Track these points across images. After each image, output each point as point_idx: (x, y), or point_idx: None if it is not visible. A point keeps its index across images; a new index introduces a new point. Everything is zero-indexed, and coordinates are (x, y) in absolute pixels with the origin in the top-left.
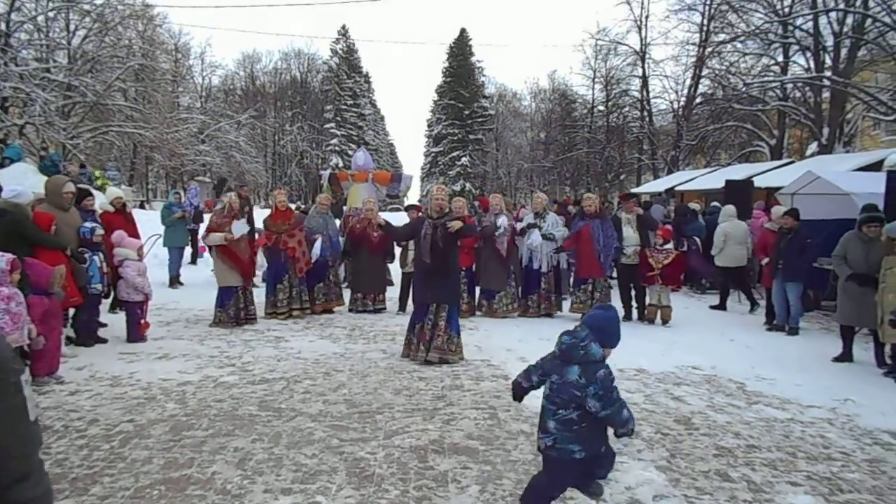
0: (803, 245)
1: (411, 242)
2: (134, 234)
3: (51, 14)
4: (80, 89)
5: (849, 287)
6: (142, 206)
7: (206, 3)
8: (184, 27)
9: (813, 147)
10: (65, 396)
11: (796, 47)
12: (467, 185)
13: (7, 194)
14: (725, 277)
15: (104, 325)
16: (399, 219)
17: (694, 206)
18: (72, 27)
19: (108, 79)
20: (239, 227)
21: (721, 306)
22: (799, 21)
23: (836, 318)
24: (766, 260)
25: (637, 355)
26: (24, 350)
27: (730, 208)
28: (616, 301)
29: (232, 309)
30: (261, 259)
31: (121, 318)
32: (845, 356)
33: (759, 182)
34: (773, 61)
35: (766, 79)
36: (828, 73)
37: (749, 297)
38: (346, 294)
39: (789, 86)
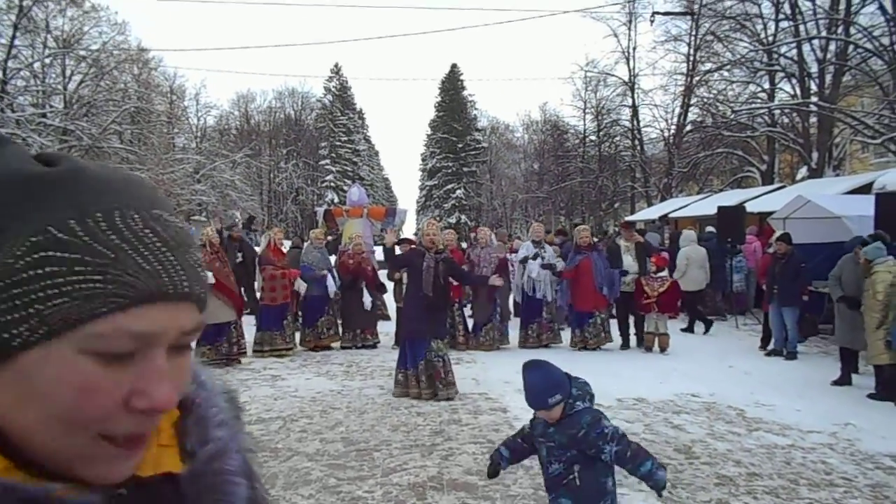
0: (797, 270)
1: (405, 276)
2: None
3: (47, 61)
4: (77, 133)
5: (841, 309)
6: None
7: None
8: (179, 69)
9: (803, 171)
10: None
11: (782, 74)
12: (462, 217)
13: None
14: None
15: None
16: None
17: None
18: (68, 72)
19: (103, 122)
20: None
21: (689, 329)
22: (783, 49)
23: (834, 340)
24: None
25: (636, 384)
26: None
27: (690, 234)
28: (614, 330)
29: (224, 346)
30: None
31: None
32: (844, 379)
33: (751, 207)
34: (759, 88)
35: (753, 106)
36: (814, 99)
37: (702, 319)
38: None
39: (777, 112)
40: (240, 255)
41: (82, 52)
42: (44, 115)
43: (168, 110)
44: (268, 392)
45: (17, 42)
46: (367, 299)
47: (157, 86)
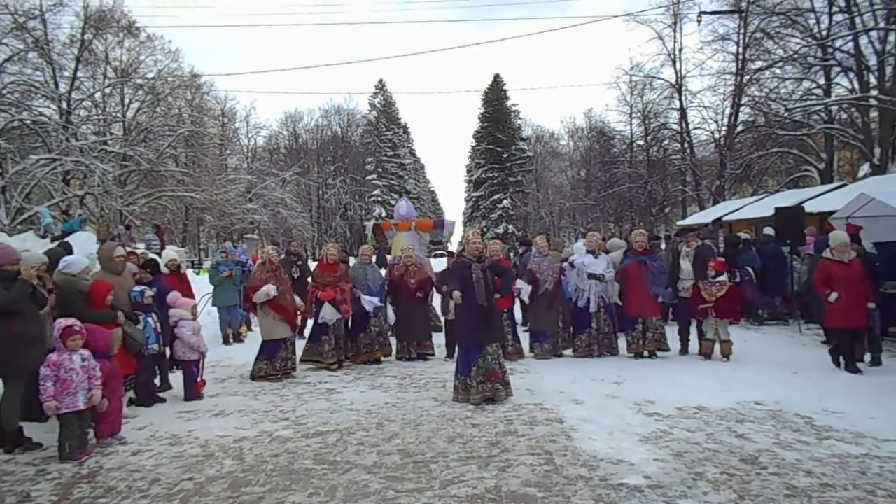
0: (872, 270)
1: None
2: (189, 294)
3: (107, 90)
4: (135, 158)
5: None
6: (192, 266)
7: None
8: (230, 92)
9: (865, 168)
10: (127, 457)
11: (838, 69)
12: (510, 227)
13: (60, 265)
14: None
15: (170, 388)
16: (442, 264)
17: (745, 235)
18: (126, 100)
19: (160, 146)
20: (271, 289)
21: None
22: (838, 42)
23: None
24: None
25: (695, 392)
26: (91, 412)
27: (617, 241)
28: (673, 339)
29: (279, 361)
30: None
31: (178, 376)
32: None
33: (809, 207)
34: (814, 84)
35: (808, 102)
36: (874, 93)
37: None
38: (395, 342)
39: (834, 107)
40: (296, 270)
41: (139, 81)
42: (105, 143)
43: (220, 132)
44: (324, 405)
45: (79, 74)
46: (391, 315)
47: (209, 109)
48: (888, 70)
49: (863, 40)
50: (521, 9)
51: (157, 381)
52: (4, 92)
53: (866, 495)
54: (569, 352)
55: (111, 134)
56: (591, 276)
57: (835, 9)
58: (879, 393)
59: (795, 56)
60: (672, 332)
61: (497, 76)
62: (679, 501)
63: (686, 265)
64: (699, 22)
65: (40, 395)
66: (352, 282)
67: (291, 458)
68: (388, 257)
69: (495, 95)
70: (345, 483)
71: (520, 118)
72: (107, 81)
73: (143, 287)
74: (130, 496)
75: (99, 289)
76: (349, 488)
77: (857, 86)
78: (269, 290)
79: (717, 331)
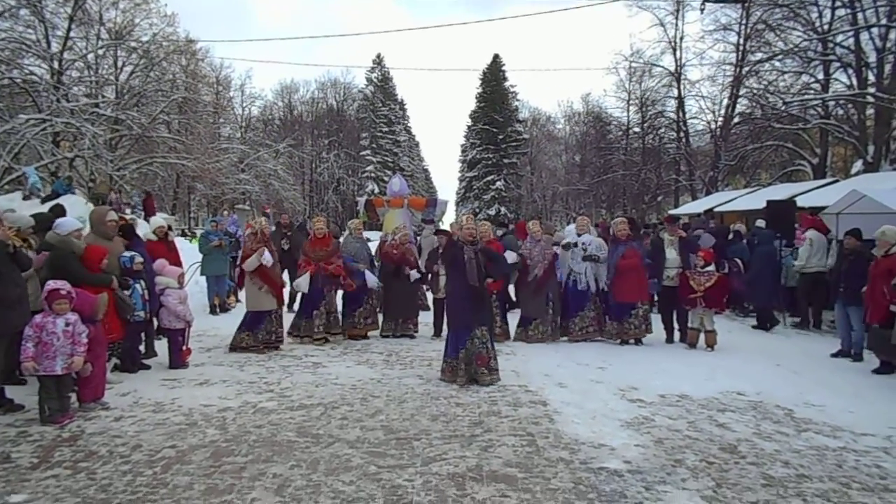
0: (867, 267)
1: (442, 268)
2: (176, 262)
3: (100, 52)
4: (127, 123)
5: None
6: (184, 235)
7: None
8: (225, 60)
9: (858, 165)
10: (110, 422)
11: (837, 64)
12: (502, 208)
13: (54, 226)
14: None
15: (155, 355)
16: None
17: (738, 227)
18: (119, 63)
19: (152, 112)
20: (267, 257)
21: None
22: (839, 38)
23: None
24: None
25: (679, 380)
26: (73, 377)
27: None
28: (657, 325)
29: (262, 333)
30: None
31: (163, 344)
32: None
33: (801, 202)
34: (813, 79)
35: (806, 97)
36: (871, 90)
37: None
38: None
39: (831, 103)
40: (286, 242)
41: (133, 44)
42: (96, 105)
43: (214, 101)
44: (309, 379)
45: (72, 34)
46: (371, 281)
47: (203, 76)
48: (887, 67)
49: (863, 36)
50: None
51: (142, 347)
52: None
53: (841, 487)
54: (563, 339)
55: (103, 97)
56: (587, 258)
57: (838, 3)
58: (859, 387)
59: (796, 49)
60: (656, 320)
61: (496, 56)
62: (658, 487)
63: (671, 254)
64: (702, 10)
65: (20, 354)
66: (351, 256)
67: (274, 429)
68: (380, 234)
69: (494, 76)
70: (327, 456)
71: (517, 100)
72: (100, 43)
73: (132, 253)
74: (111, 461)
75: (94, 252)
76: (331, 462)
77: (855, 82)
78: (265, 255)
79: (703, 320)
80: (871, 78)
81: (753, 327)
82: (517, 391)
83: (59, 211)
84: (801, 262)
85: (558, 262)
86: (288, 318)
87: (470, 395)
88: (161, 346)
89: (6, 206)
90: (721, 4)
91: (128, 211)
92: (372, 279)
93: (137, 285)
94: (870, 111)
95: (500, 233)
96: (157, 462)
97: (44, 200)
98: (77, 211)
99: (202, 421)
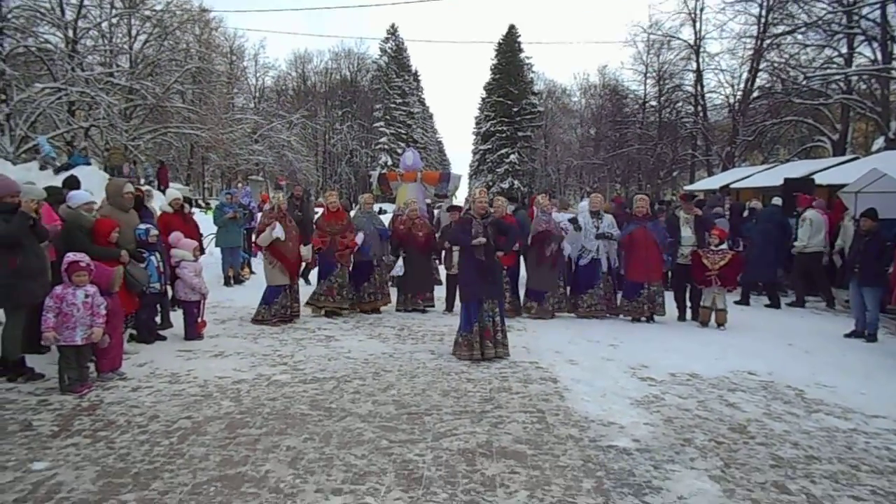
0: (882, 248)
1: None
2: (193, 234)
3: (114, 20)
4: (141, 92)
5: None
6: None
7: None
8: (238, 30)
9: (879, 142)
10: (127, 392)
11: (861, 38)
12: (515, 182)
13: (66, 199)
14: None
15: (170, 326)
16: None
17: (755, 204)
18: (133, 32)
19: (166, 81)
20: (278, 230)
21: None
22: (865, 10)
23: None
24: None
25: (690, 359)
26: (92, 347)
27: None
28: (670, 304)
29: (276, 306)
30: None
31: (178, 315)
32: None
33: (820, 179)
34: (836, 53)
35: (828, 71)
36: None
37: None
38: (394, 293)
39: (854, 78)
40: (297, 212)
41: (147, 12)
42: (111, 75)
43: (228, 71)
44: (322, 352)
45: (86, 2)
46: (399, 267)
47: (217, 46)
48: None
49: (890, 9)
50: None
51: (158, 318)
52: (10, 16)
53: (850, 469)
54: (571, 315)
55: (117, 66)
56: (600, 236)
57: None
58: (872, 368)
59: (820, 22)
60: (669, 298)
61: (512, 27)
62: (666, 466)
63: (686, 232)
64: None
65: (41, 325)
66: (361, 230)
67: (288, 402)
68: (393, 207)
69: (509, 47)
70: (339, 430)
71: (532, 72)
72: (114, 11)
73: (148, 225)
74: (129, 430)
75: (103, 225)
76: (343, 435)
77: (879, 56)
78: (277, 230)
79: (715, 299)
80: None
81: (766, 306)
82: (528, 367)
83: (73, 182)
84: (803, 243)
85: (567, 238)
86: (306, 291)
87: (481, 371)
88: (177, 317)
89: (24, 176)
90: None
91: (142, 181)
92: (358, 239)
93: (153, 257)
94: (893, 86)
95: (511, 209)
96: (173, 432)
97: (57, 171)
98: (93, 181)
99: (217, 392)
